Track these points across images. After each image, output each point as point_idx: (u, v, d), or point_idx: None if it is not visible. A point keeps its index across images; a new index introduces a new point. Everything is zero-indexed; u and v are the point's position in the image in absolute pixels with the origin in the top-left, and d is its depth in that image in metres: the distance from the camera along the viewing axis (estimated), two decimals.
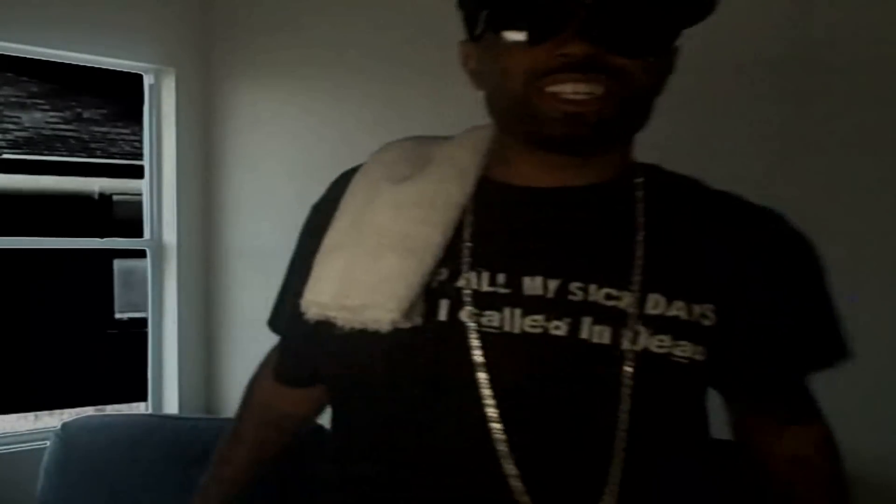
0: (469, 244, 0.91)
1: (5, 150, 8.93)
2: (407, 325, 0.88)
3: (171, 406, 3.14)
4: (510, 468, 0.84)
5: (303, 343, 1.00)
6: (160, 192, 3.18)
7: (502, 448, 0.84)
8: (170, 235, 3.16)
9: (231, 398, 3.12)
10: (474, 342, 0.86)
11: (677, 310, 0.87)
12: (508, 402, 0.85)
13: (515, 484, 0.84)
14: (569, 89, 0.84)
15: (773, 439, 0.99)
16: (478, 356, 0.86)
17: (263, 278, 2.98)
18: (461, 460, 0.87)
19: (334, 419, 0.99)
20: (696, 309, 0.88)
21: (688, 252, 0.90)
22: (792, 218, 0.98)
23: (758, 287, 0.91)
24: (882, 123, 1.80)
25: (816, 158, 1.91)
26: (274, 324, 1.13)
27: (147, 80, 3.16)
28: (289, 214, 3.15)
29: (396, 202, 0.92)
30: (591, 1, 0.83)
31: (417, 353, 0.88)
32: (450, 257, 0.90)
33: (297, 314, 0.94)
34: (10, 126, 9.13)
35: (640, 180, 0.94)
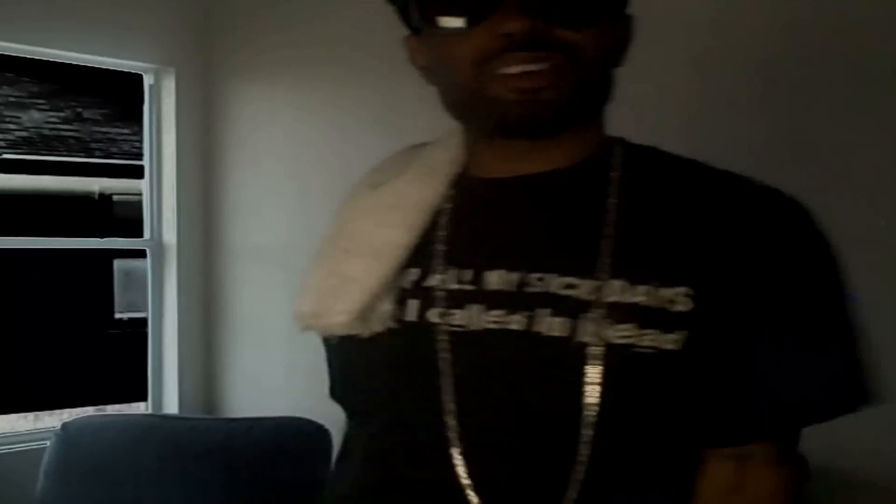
0: (441, 243, 0.88)
1: (5, 150, 8.94)
2: (377, 328, 0.86)
3: (171, 406, 3.14)
4: (463, 474, 0.81)
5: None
6: (160, 192, 3.18)
7: (457, 453, 0.81)
8: (170, 235, 3.16)
9: (231, 398, 3.12)
10: (440, 342, 0.83)
11: (640, 295, 0.79)
12: (466, 403, 0.82)
13: (469, 493, 0.81)
14: (515, 69, 0.80)
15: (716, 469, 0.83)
16: (443, 356, 0.83)
17: (263, 278, 2.99)
18: (419, 464, 0.84)
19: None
20: (665, 293, 0.79)
21: (661, 231, 0.83)
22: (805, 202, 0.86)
23: (749, 275, 0.81)
24: (880, 122, 1.80)
25: (815, 158, 1.91)
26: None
27: (147, 80, 3.16)
28: (289, 214, 3.17)
29: (367, 208, 0.93)
30: None
31: (387, 356, 0.87)
32: (423, 258, 0.88)
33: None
34: (10, 126, 9.14)
35: (617, 159, 0.88)
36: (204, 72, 3.15)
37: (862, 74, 1.79)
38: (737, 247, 0.81)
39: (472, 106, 0.86)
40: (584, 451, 0.79)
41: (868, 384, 0.83)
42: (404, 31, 0.94)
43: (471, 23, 0.82)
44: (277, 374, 2.90)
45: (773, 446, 0.83)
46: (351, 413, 0.95)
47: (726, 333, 0.80)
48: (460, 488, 0.81)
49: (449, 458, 0.81)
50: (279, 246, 2.93)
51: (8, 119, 9.19)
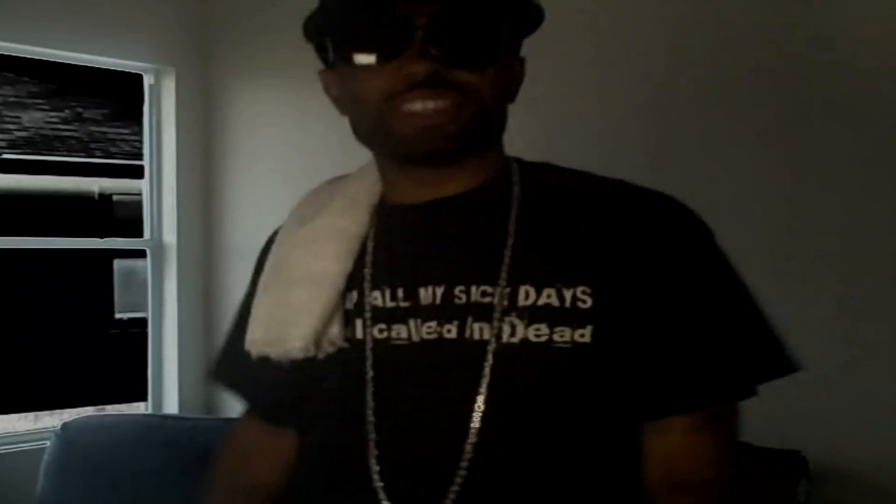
0: (369, 269, 0.98)
1: (5, 150, 8.94)
2: (330, 349, 0.95)
3: (171, 406, 3.15)
4: (376, 476, 0.90)
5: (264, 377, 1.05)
6: (160, 192, 3.18)
7: (372, 460, 0.91)
8: (170, 235, 3.16)
9: (231, 398, 3.11)
10: (368, 358, 0.93)
11: (547, 297, 0.89)
12: (386, 413, 0.92)
13: (382, 497, 0.90)
14: (418, 107, 0.89)
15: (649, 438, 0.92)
16: (369, 373, 0.93)
17: None
18: (338, 473, 0.95)
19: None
20: (569, 293, 0.89)
21: (559, 238, 0.93)
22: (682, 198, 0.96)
23: (641, 265, 0.90)
24: (877, 126, 1.80)
25: (813, 159, 1.91)
26: (220, 374, 1.18)
27: (147, 80, 3.16)
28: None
29: (300, 241, 1.02)
30: (425, 22, 0.88)
31: (338, 373, 0.96)
32: (357, 281, 0.97)
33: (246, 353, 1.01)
34: (10, 126, 9.13)
35: (516, 178, 0.98)
36: (204, 72, 3.15)
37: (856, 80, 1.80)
38: (627, 242, 0.91)
39: (379, 137, 0.95)
40: (471, 442, 0.88)
41: (770, 352, 0.92)
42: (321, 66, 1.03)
43: (379, 61, 0.91)
44: None
45: (692, 415, 0.90)
46: (297, 423, 1.04)
47: (628, 322, 0.89)
48: (374, 491, 0.90)
49: (365, 461, 0.91)
50: None
51: (8, 119, 9.18)
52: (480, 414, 0.88)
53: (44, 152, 9.12)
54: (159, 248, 3.18)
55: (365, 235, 1.00)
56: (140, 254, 3.25)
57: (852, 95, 1.86)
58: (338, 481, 0.95)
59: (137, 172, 3.89)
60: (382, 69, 0.91)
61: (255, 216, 3.05)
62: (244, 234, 3.08)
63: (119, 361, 7.82)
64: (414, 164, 0.96)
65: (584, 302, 0.89)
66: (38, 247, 6.07)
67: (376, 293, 0.96)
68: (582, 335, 0.88)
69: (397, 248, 0.98)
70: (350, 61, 0.94)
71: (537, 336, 0.88)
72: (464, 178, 0.96)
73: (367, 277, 0.97)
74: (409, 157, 0.95)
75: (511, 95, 0.98)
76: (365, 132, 0.97)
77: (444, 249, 0.95)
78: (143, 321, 3.28)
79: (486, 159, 0.98)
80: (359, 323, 0.96)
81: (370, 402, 0.92)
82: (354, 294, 0.97)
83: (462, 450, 0.88)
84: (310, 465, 1.00)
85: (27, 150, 9.07)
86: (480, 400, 0.88)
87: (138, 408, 3.95)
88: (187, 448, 2.50)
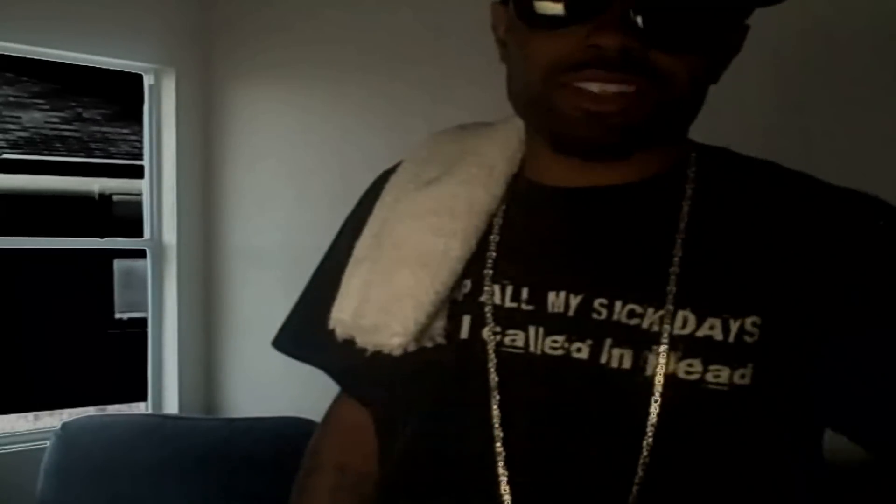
0: (493, 254, 0.81)
1: (5, 150, 8.93)
2: (427, 344, 0.80)
3: (171, 406, 3.14)
4: (508, 500, 0.75)
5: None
6: (160, 192, 3.18)
7: (503, 480, 0.76)
8: (170, 235, 3.16)
9: (231, 398, 3.12)
10: (492, 363, 0.78)
11: (710, 329, 0.73)
12: (518, 432, 0.76)
13: None
14: (594, 88, 0.72)
15: None
16: (495, 378, 0.77)
17: (263, 278, 2.99)
18: (461, 486, 0.79)
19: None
20: (735, 325, 0.73)
21: (734, 255, 0.76)
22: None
23: (827, 288, 0.73)
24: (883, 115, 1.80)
25: (815, 152, 1.91)
26: (283, 342, 0.99)
27: (147, 80, 3.16)
28: (289, 214, 3.17)
29: (416, 211, 0.83)
30: None
31: (436, 375, 0.81)
32: (475, 268, 0.81)
33: (327, 330, 0.85)
34: (10, 126, 9.13)
35: (692, 171, 0.80)
36: (204, 72, 3.15)
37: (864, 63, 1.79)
38: (815, 259, 0.74)
39: (535, 111, 0.79)
40: (636, 487, 0.73)
41: None
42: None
43: (565, 20, 0.73)
44: (277, 374, 2.90)
45: None
46: (378, 411, 0.90)
47: (796, 357, 0.74)
48: None
49: (495, 485, 0.76)
50: (279, 246, 2.93)
51: (8, 119, 9.18)
52: (646, 460, 0.72)
53: (44, 152, 9.11)
54: (159, 248, 3.18)
55: (494, 213, 0.83)
56: (140, 254, 3.24)
57: None
58: (454, 494, 0.79)
59: (137, 172, 3.89)
60: (566, 30, 0.73)
61: (256, 216, 3.05)
62: (244, 234, 3.08)
63: (119, 361, 7.83)
64: (566, 153, 0.79)
65: (750, 335, 0.73)
66: (38, 247, 6.07)
67: (496, 287, 0.80)
68: (746, 376, 0.72)
69: (531, 238, 0.81)
70: (530, 7, 0.75)
71: (689, 373, 0.73)
72: (630, 168, 0.78)
73: (489, 265, 0.81)
74: (563, 144, 0.78)
75: (716, 76, 0.79)
76: (523, 100, 0.79)
77: (589, 249, 0.78)
78: (143, 321, 3.27)
79: (665, 149, 0.80)
80: (466, 319, 0.80)
81: (496, 413, 0.76)
82: (468, 283, 0.81)
83: (627, 492, 0.73)
84: (413, 464, 0.83)
85: (27, 150, 9.06)
86: (646, 449, 0.72)
87: (138, 408, 3.95)
88: (187, 448, 2.50)
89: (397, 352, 0.80)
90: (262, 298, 2.98)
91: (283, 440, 2.48)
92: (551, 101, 0.75)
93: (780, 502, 0.77)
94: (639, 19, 0.71)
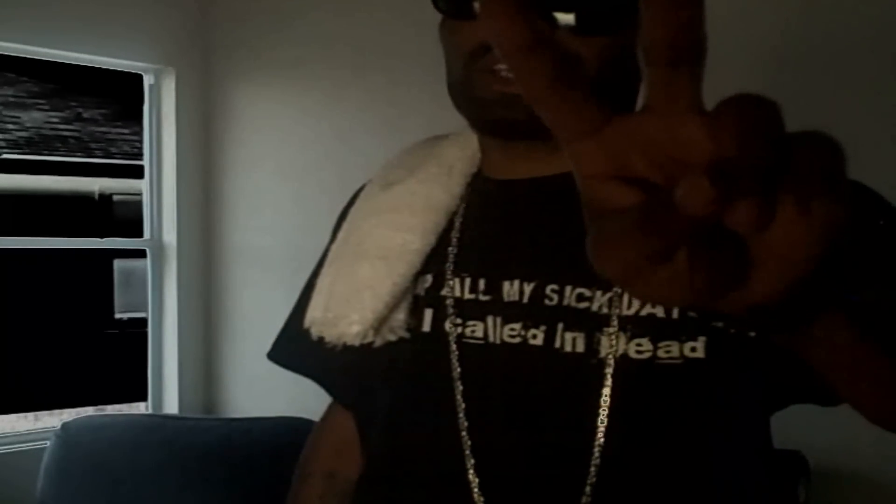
0: (454, 249, 0.84)
1: (5, 150, 8.94)
2: (391, 338, 0.83)
3: (171, 406, 3.14)
4: (475, 488, 0.78)
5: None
6: (160, 192, 3.18)
7: (470, 468, 0.78)
8: (170, 235, 3.16)
9: (231, 398, 3.12)
10: (454, 355, 0.80)
11: (652, 307, 0.75)
12: (482, 420, 0.79)
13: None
14: (504, 70, 0.74)
15: None
16: (456, 370, 0.80)
17: (263, 278, 2.99)
18: (431, 478, 0.82)
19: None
20: None
21: None
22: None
23: None
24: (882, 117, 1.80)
25: None
26: (277, 352, 1.02)
27: (147, 80, 3.17)
28: (288, 214, 3.17)
29: (378, 208, 0.87)
30: None
31: (402, 369, 0.83)
32: (437, 263, 0.84)
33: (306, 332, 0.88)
34: (10, 126, 9.13)
35: None
36: (204, 72, 3.15)
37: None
38: None
39: (461, 98, 0.82)
40: (594, 467, 0.75)
41: None
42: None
43: (465, 12, 0.77)
44: (277, 374, 2.90)
45: None
46: (357, 412, 0.92)
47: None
48: (472, 501, 0.78)
49: (463, 473, 0.78)
50: (279, 246, 2.93)
51: (8, 119, 9.18)
52: (601, 441, 0.74)
53: (44, 152, 9.12)
54: (159, 248, 3.18)
55: (455, 211, 0.86)
56: (140, 254, 3.25)
57: None
58: (424, 486, 0.82)
59: (137, 172, 3.89)
60: (472, 21, 0.77)
61: (255, 216, 3.05)
62: (244, 234, 3.09)
63: (119, 361, 7.83)
64: (491, 136, 0.82)
65: None
66: (38, 247, 6.08)
67: (455, 280, 0.82)
68: (694, 349, 0.74)
69: (486, 231, 0.84)
70: (437, 4, 0.79)
71: (639, 352, 0.75)
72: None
73: (450, 259, 0.84)
74: (486, 127, 0.81)
75: (634, 72, 0.79)
76: (452, 90, 0.82)
77: (538, 237, 0.81)
78: (143, 321, 3.28)
79: None
80: (428, 313, 0.83)
81: (461, 404, 0.79)
82: (429, 278, 0.84)
83: (586, 475, 0.75)
84: (385, 458, 0.86)
85: (27, 150, 9.07)
86: (608, 420, 0.74)
87: (138, 408, 3.96)
88: (187, 448, 2.50)
89: (356, 341, 0.82)
90: (261, 298, 2.98)
91: (283, 440, 2.48)
92: (471, 86, 0.78)
93: (735, 473, 0.78)
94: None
